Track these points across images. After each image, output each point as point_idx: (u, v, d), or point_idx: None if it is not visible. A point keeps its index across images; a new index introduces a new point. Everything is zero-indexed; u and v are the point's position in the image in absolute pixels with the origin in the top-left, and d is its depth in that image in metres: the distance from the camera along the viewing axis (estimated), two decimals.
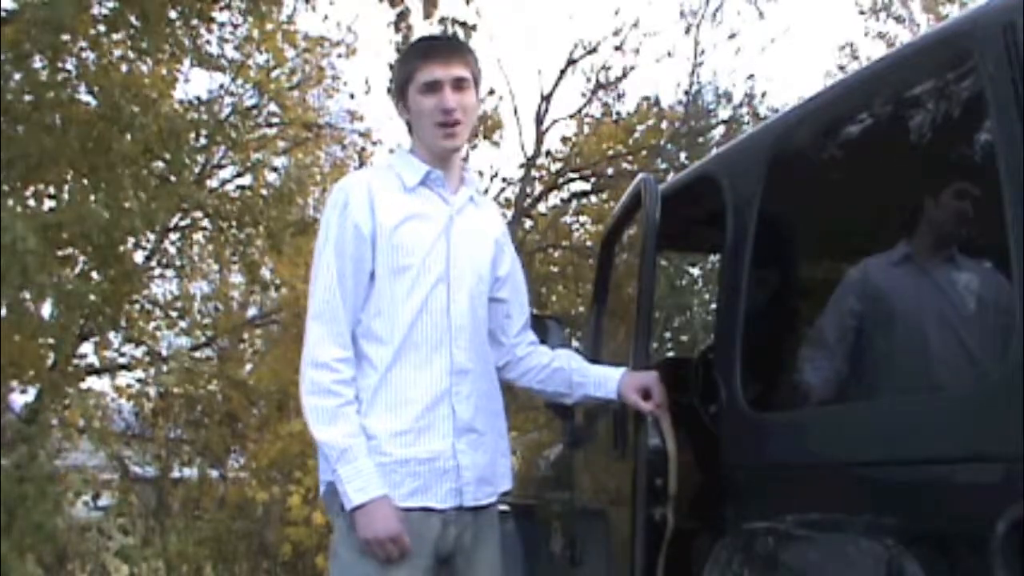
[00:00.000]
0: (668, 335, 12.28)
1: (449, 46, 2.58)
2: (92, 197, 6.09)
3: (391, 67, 7.07)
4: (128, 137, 6.37)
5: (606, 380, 2.59)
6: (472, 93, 2.42)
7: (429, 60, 2.39)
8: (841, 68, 10.52)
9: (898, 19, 11.52)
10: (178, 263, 9.87)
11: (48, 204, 6.88)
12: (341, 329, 2.31)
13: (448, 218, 2.42)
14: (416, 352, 2.34)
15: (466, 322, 2.41)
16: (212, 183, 9.45)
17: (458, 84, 2.38)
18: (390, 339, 2.33)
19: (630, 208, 3.11)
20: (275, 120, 9.37)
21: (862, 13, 11.67)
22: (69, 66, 6.56)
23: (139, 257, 8.74)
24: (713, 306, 9.00)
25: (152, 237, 8.85)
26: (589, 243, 10.72)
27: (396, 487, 2.29)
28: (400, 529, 2.26)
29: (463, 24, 6.79)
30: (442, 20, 6.70)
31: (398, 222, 2.36)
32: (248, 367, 10.36)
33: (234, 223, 7.84)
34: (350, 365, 2.32)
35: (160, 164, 6.95)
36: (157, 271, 9.92)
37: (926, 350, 2.18)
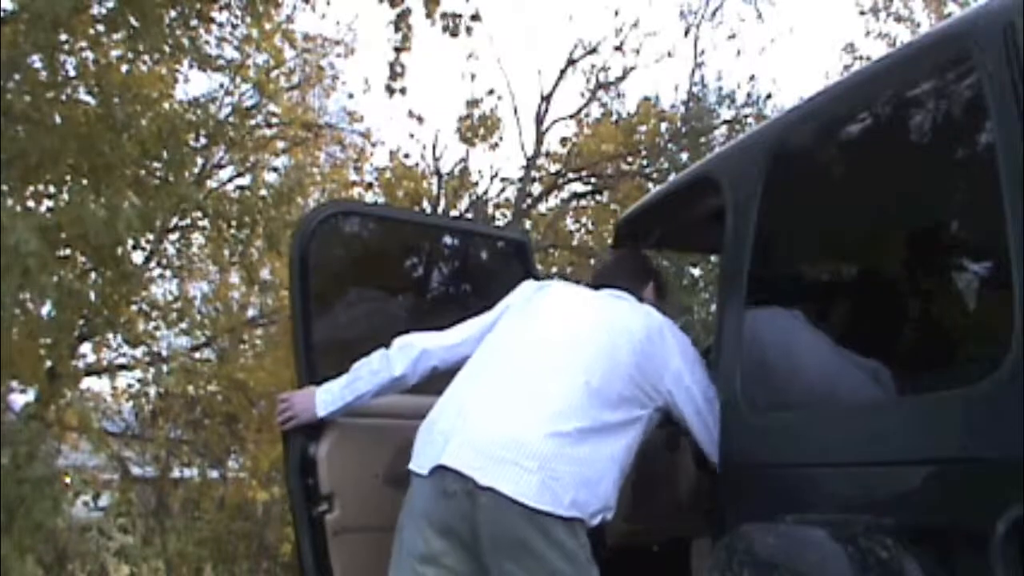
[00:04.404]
0: None
1: None
2: (91, 198, 6.07)
3: (391, 66, 7.07)
4: (125, 137, 6.35)
5: None
6: None
7: None
8: (846, 68, 10.52)
9: (899, 19, 11.50)
10: (177, 264, 9.86)
11: (47, 204, 6.87)
12: None
13: None
14: None
15: None
16: (211, 183, 9.45)
17: None
18: None
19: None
20: (274, 120, 9.36)
21: (863, 14, 11.67)
22: (68, 66, 6.55)
23: (138, 258, 8.73)
24: (713, 306, 8.98)
25: (151, 238, 8.83)
26: (591, 244, 10.74)
27: None
28: None
29: (460, 16, 6.79)
30: (444, 16, 6.71)
31: None
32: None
33: (233, 223, 7.81)
34: None
35: (158, 164, 6.92)
36: (156, 271, 9.93)
37: (920, 351, 2.18)
